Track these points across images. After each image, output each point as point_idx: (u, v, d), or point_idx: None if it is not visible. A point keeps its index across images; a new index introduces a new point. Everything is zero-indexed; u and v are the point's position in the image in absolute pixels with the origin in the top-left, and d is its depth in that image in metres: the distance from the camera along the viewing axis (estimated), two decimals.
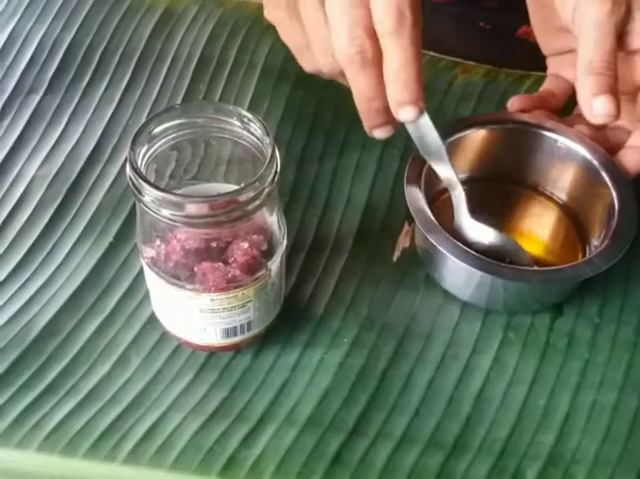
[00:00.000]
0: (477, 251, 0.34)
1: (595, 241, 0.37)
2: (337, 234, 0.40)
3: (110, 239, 0.39)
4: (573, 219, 0.39)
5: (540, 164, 0.39)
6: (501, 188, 0.40)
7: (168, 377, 0.35)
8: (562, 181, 0.39)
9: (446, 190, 0.38)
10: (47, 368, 0.35)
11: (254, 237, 0.32)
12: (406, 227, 0.40)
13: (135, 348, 0.36)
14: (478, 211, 0.37)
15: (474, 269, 0.33)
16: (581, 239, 0.38)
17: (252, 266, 0.32)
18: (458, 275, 0.36)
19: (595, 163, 0.37)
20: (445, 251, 0.34)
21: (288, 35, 0.38)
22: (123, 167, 0.42)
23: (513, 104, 0.40)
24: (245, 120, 0.31)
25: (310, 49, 0.36)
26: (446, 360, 0.35)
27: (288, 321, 0.37)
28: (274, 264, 0.33)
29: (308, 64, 0.38)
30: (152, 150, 0.31)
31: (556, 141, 0.38)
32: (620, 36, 0.35)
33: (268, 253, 0.33)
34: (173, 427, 0.33)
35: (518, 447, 0.33)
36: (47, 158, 0.42)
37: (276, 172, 0.30)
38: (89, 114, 0.44)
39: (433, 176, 0.36)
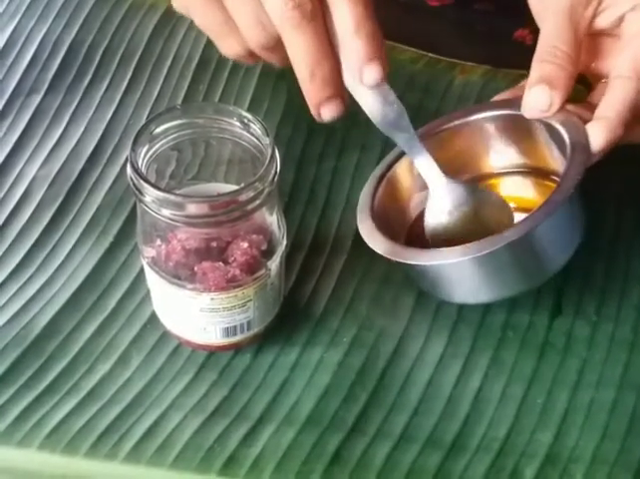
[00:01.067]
0: (459, 216, 0.34)
1: None
2: (336, 234, 0.40)
3: (110, 238, 0.39)
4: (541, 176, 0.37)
5: (518, 145, 0.38)
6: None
7: (169, 376, 0.35)
8: (537, 154, 0.37)
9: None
10: (47, 368, 0.35)
11: (254, 236, 0.33)
12: None
13: (135, 348, 0.36)
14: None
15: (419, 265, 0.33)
16: None
17: (252, 266, 0.32)
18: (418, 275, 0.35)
19: (563, 131, 0.34)
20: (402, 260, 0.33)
21: (205, 20, 0.35)
22: (123, 167, 0.42)
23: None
24: (245, 120, 0.32)
25: (234, 28, 0.32)
26: (444, 359, 0.36)
27: (287, 321, 0.37)
28: (274, 264, 0.33)
29: (232, 46, 0.34)
30: (152, 150, 0.31)
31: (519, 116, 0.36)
32: (593, 17, 0.34)
33: (268, 253, 0.33)
34: (174, 426, 0.33)
35: (516, 446, 0.33)
36: (48, 158, 0.43)
37: (276, 172, 0.31)
38: (90, 114, 0.44)
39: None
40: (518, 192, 0.39)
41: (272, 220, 0.33)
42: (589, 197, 0.42)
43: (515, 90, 0.39)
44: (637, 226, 0.40)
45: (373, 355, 0.36)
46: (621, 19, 0.36)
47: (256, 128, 0.31)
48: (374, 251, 0.39)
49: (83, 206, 0.41)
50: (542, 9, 0.35)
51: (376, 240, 0.34)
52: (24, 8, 0.49)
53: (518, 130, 0.37)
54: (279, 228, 0.33)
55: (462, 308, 0.37)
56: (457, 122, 0.38)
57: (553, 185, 0.37)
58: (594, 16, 0.36)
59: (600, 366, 0.35)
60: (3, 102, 0.45)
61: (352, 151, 0.43)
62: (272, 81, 0.45)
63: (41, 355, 0.35)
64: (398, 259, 0.34)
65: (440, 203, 0.36)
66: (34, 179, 0.42)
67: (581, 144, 0.34)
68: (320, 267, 0.39)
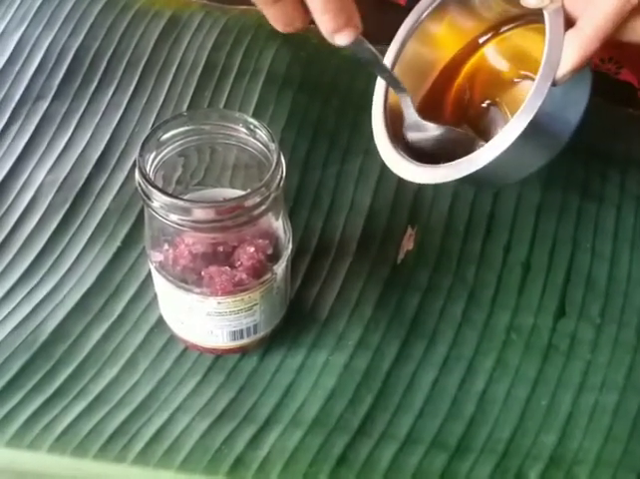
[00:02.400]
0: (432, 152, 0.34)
1: None
2: (341, 237, 0.40)
3: (118, 243, 0.40)
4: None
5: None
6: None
7: (176, 380, 0.35)
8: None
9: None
10: (56, 372, 0.35)
11: (260, 241, 0.33)
12: (409, 230, 0.41)
13: (142, 352, 0.36)
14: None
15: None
16: None
17: (258, 270, 0.33)
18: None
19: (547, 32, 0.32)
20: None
21: None
22: (130, 172, 0.42)
23: None
24: (251, 126, 0.32)
25: None
26: (449, 361, 0.36)
27: (293, 324, 0.37)
28: (280, 268, 0.34)
29: None
30: (160, 156, 0.32)
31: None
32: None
33: (274, 257, 0.33)
34: (182, 428, 0.34)
35: (521, 448, 0.34)
36: (55, 163, 0.43)
37: (282, 177, 0.31)
38: (96, 120, 0.45)
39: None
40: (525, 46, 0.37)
41: (278, 224, 0.33)
42: (592, 201, 0.42)
43: None
44: None
45: (378, 357, 0.36)
46: None
47: (262, 134, 0.32)
48: (377, 255, 0.40)
49: (90, 211, 0.41)
50: None
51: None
52: (31, 15, 0.49)
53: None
54: (285, 232, 0.34)
55: (466, 310, 0.38)
56: None
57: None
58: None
59: (604, 369, 0.36)
60: (11, 108, 0.45)
61: (356, 156, 0.44)
62: (277, 87, 0.46)
63: (50, 359, 0.36)
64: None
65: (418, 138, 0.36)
66: (42, 184, 0.42)
67: (552, 58, 0.32)
68: (325, 271, 0.39)
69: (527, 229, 0.40)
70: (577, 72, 0.32)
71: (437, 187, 0.42)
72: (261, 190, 0.30)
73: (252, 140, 0.32)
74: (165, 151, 0.32)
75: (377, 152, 0.43)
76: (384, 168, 0.43)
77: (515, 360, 0.36)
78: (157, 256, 0.33)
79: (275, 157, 0.31)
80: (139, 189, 0.30)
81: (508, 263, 0.39)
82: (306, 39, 0.48)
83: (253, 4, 0.48)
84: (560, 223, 0.41)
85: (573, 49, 0.32)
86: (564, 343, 0.37)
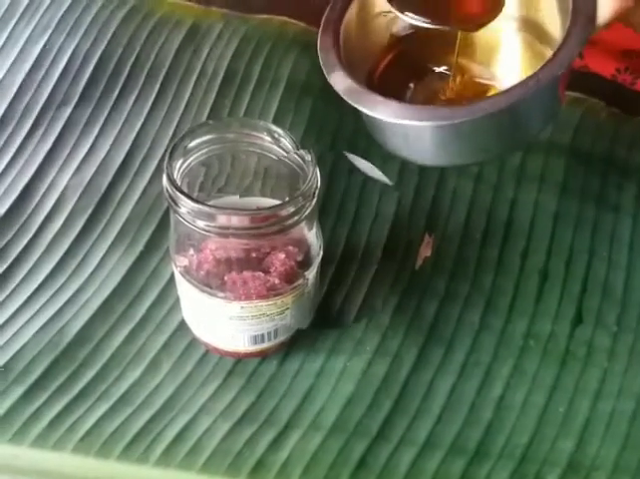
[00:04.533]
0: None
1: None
2: (366, 245, 0.41)
3: (140, 248, 0.40)
4: (537, 32, 0.34)
5: None
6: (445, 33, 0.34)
7: (198, 382, 0.36)
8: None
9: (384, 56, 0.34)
10: (80, 373, 0.36)
11: (290, 248, 0.34)
12: (427, 237, 0.41)
13: (165, 354, 0.37)
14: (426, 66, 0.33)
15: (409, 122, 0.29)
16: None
17: (290, 276, 0.33)
18: (382, 127, 0.32)
19: None
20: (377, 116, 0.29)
21: None
22: (152, 178, 0.43)
23: None
24: (276, 135, 0.33)
25: None
26: (467, 368, 0.36)
27: (313, 329, 0.38)
28: (311, 274, 0.34)
29: None
30: (186, 163, 0.32)
31: None
32: None
33: (305, 264, 0.34)
34: (203, 431, 0.34)
35: (539, 453, 0.34)
36: (78, 168, 0.44)
37: (317, 187, 0.31)
38: (119, 126, 0.45)
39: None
40: (503, 47, 0.35)
41: (311, 232, 0.34)
42: (608, 210, 0.42)
43: None
44: None
45: (396, 364, 0.36)
46: None
47: (286, 142, 0.32)
48: (396, 262, 0.40)
49: (113, 216, 0.42)
50: None
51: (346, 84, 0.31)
52: (55, 23, 0.50)
53: None
54: (317, 239, 0.34)
55: (483, 316, 0.38)
56: None
57: (541, 46, 0.33)
58: None
59: (621, 377, 0.36)
60: (35, 114, 0.46)
61: (376, 164, 0.44)
62: (296, 95, 0.46)
63: (74, 361, 0.36)
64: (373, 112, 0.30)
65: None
66: (65, 188, 0.43)
67: (586, 8, 0.30)
68: (351, 278, 0.39)
69: (544, 237, 0.41)
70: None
71: (455, 193, 0.42)
72: (297, 199, 0.31)
73: (276, 148, 0.33)
74: (192, 158, 0.33)
75: (395, 159, 0.44)
76: (402, 174, 0.44)
77: (533, 367, 0.36)
78: (181, 261, 0.33)
79: (311, 167, 0.31)
80: (166, 195, 0.31)
81: (526, 271, 0.40)
82: None
83: (273, 13, 0.50)
84: (577, 231, 0.41)
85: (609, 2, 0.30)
86: (581, 351, 0.37)
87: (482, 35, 0.35)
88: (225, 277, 0.33)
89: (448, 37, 0.34)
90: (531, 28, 0.34)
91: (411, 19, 0.31)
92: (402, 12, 0.32)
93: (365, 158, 0.44)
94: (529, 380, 0.36)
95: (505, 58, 0.35)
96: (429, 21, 0.31)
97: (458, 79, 0.35)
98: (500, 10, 0.32)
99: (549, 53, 0.32)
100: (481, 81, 0.35)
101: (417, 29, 0.35)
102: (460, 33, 0.34)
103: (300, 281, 0.33)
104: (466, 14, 0.33)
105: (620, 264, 0.40)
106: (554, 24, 0.33)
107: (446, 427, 0.34)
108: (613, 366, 0.36)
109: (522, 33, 0.35)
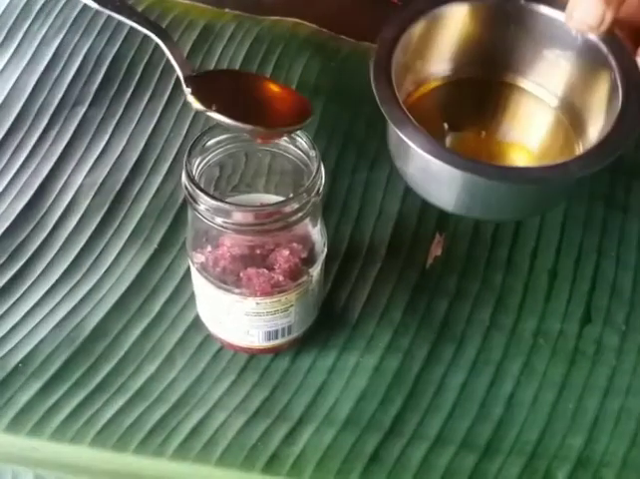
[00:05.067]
0: None
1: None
2: (370, 242, 0.42)
3: (154, 245, 0.41)
4: (573, 120, 0.33)
5: (537, 51, 0.33)
6: (489, 85, 0.34)
7: (212, 377, 0.36)
8: (569, 76, 0.33)
9: (420, 86, 0.33)
10: (97, 368, 0.36)
11: (294, 244, 0.34)
12: (437, 236, 0.42)
13: (179, 350, 0.37)
14: (458, 115, 0.33)
15: (426, 154, 0.29)
16: (582, 144, 0.33)
17: (294, 273, 0.34)
18: (415, 164, 0.31)
19: (610, 58, 0.31)
20: (401, 134, 0.29)
21: None
22: (166, 176, 0.44)
23: None
24: (292, 135, 0.33)
25: None
26: (478, 365, 0.37)
27: (324, 326, 0.38)
28: (315, 271, 0.35)
29: None
30: (204, 161, 0.33)
31: (560, 21, 0.32)
32: None
33: (309, 261, 0.35)
34: (218, 425, 0.35)
35: (549, 449, 0.34)
36: (93, 167, 0.44)
37: (321, 184, 0.32)
38: (132, 125, 0.46)
39: (412, 50, 0.32)
40: (537, 118, 0.34)
41: (315, 228, 0.34)
42: (617, 211, 0.43)
43: None
44: None
45: (408, 360, 0.37)
46: None
47: (302, 141, 0.33)
48: (406, 260, 0.41)
49: (127, 214, 0.42)
50: None
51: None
52: (69, 24, 0.51)
53: (544, 34, 0.33)
54: (321, 236, 0.35)
55: (494, 314, 0.38)
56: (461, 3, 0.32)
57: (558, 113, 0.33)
58: None
59: (629, 375, 0.37)
60: (50, 113, 0.47)
61: (384, 163, 0.45)
62: (308, 96, 0.46)
63: (91, 356, 0.37)
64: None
65: None
66: (80, 187, 0.43)
67: (635, 76, 0.30)
68: (355, 275, 0.40)
69: (554, 237, 0.41)
70: None
71: None
72: (301, 196, 0.31)
73: (292, 147, 0.33)
74: (210, 156, 0.33)
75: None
76: None
77: (543, 365, 0.37)
78: (198, 258, 0.34)
79: (316, 164, 0.32)
80: (185, 192, 0.31)
81: (535, 270, 0.40)
82: (336, 49, 0.49)
83: (285, 15, 0.50)
84: (586, 231, 0.42)
85: None
86: (590, 349, 0.37)
87: (521, 102, 0.35)
88: (241, 274, 0.34)
89: (488, 92, 0.35)
90: (569, 111, 0.34)
91: (216, 116, 0.30)
92: (208, 107, 0.31)
93: (376, 161, 0.45)
94: (539, 378, 0.36)
95: (536, 129, 0.35)
96: (233, 119, 0.30)
97: (486, 133, 0.34)
98: (306, 119, 0.31)
99: (579, 144, 0.32)
100: (509, 140, 0.35)
101: (455, 76, 0.35)
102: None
103: (304, 278, 0.34)
104: (273, 118, 0.32)
105: (629, 264, 0.40)
106: (595, 120, 0.32)
107: (457, 423, 0.35)
108: (622, 364, 0.37)
109: (558, 112, 0.34)
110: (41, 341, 0.37)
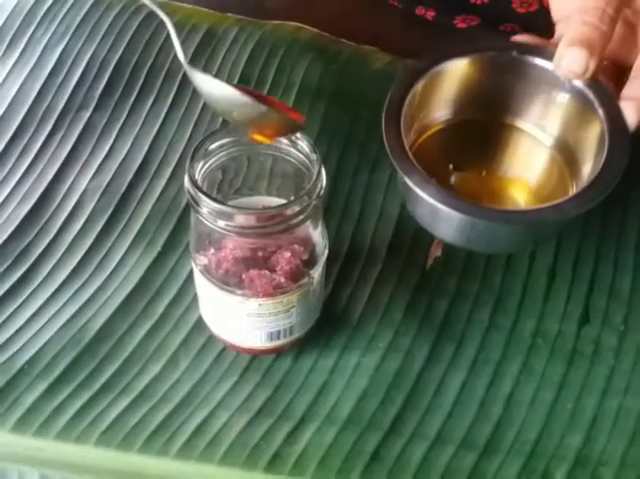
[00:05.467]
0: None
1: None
2: (371, 244, 0.42)
3: (158, 248, 0.41)
4: (568, 162, 0.36)
5: (536, 99, 0.36)
6: (488, 127, 0.37)
7: (215, 378, 0.37)
8: (559, 118, 0.36)
9: (430, 126, 0.37)
10: (102, 368, 0.37)
11: (295, 246, 0.35)
12: (437, 238, 0.42)
13: (183, 350, 0.38)
14: (460, 155, 0.35)
15: (434, 202, 0.31)
16: (574, 184, 0.35)
17: (296, 274, 0.34)
18: (423, 207, 0.33)
19: (595, 101, 0.34)
20: (410, 183, 0.32)
21: None
22: (169, 180, 0.44)
23: (516, 39, 0.37)
24: (293, 138, 0.34)
25: None
26: (477, 364, 0.37)
27: (326, 326, 0.39)
28: (316, 273, 0.35)
29: None
30: (206, 165, 0.33)
31: (549, 70, 0.35)
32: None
33: (311, 262, 0.35)
34: (221, 424, 0.35)
35: (547, 449, 0.35)
36: (97, 171, 0.45)
37: (322, 186, 0.33)
38: (136, 129, 0.47)
39: (417, 104, 0.35)
40: (533, 156, 0.37)
41: (317, 231, 0.35)
42: (615, 213, 0.43)
43: (535, 38, 0.37)
44: None
45: (408, 360, 0.37)
46: None
47: (303, 145, 0.33)
48: (407, 261, 0.41)
49: (132, 216, 0.43)
50: None
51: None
52: (73, 29, 0.51)
53: (536, 81, 0.35)
54: (322, 238, 0.35)
55: (493, 315, 0.39)
56: (464, 58, 0.36)
57: (552, 151, 0.36)
58: None
59: (628, 374, 0.37)
60: (54, 118, 0.47)
61: (384, 165, 0.45)
62: (309, 99, 0.47)
63: (96, 356, 0.37)
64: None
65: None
66: (85, 190, 0.44)
67: (619, 121, 0.33)
68: (356, 276, 0.41)
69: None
70: None
71: None
72: (302, 198, 0.32)
73: (294, 151, 0.34)
74: (212, 160, 0.34)
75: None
76: None
77: (541, 365, 0.37)
78: (201, 260, 0.34)
79: (317, 167, 0.32)
80: (188, 195, 0.32)
81: (534, 272, 0.41)
82: (337, 53, 0.50)
83: (287, 19, 0.51)
84: (584, 233, 0.42)
85: (635, 116, 0.33)
86: (589, 349, 0.38)
87: (519, 141, 0.38)
88: (243, 275, 0.34)
89: (487, 133, 0.38)
90: (563, 150, 0.37)
91: (220, 83, 0.31)
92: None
93: (377, 164, 0.45)
94: (538, 377, 0.37)
95: (533, 167, 0.38)
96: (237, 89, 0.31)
97: (487, 171, 0.37)
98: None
99: (572, 180, 0.35)
100: (508, 177, 0.37)
101: (456, 118, 0.38)
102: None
103: (306, 280, 0.34)
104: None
105: (627, 265, 0.41)
106: (586, 159, 0.35)
107: (456, 422, 0.35)
108: (620, 364, 0.37)
109: (553, 151, 0.37)
110: (46, 343, 0.38)
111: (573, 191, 0.35)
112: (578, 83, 0.34)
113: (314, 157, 0.33)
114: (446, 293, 0.40)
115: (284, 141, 0.34)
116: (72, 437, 0.35)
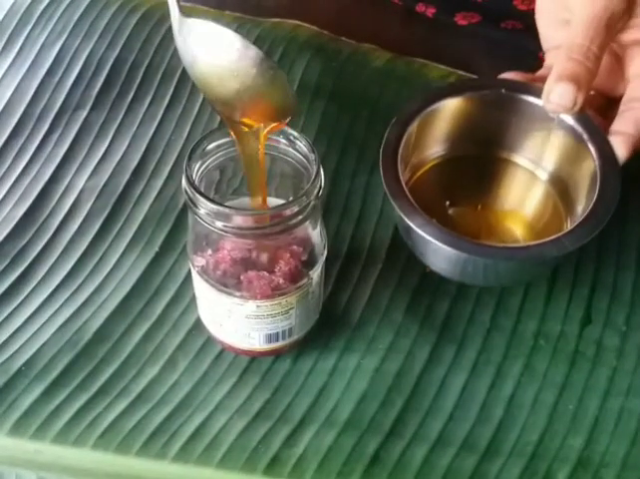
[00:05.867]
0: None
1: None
2: (370, 245, 0.42)
3: (156, 248, 0.41)
4: (561, 194, 0.38)
5: (527, 134, 0.38)
6: (485, 161, 0.39)
7: (214, 380, 0.37)
8: (551, 152, 0.38)
9: (426, 163, 0.39)
10: (99, 371, 0.37)
11: (295, 247, 0.34)
12: None
13: (181, 352, 0.37)
14: (456, 190, 0.37)
15: (438, 243, 0.33)
16: (568, 216, 0.37)
17: (295, 275, 0.34)
18: (427, 248, 0.35)
19: (584, 135, 0.36)
20: (413, 225, 0.33)
21: None
22: (167, 180, 0.44)
23: (503, 77, 0.39)
24: (291, 138, 0.33)
25: None
26: (478, 366, 0.37)
27: (325, 328, 0.38)
28: (315, 274, 0.35)
29: None
30: (204, 165, 0.33)
31: (538, 105, 0.36)
32: (620, 30, 0.36)
33: (310, 263, 0.35)
34: (220, 427, 0.35)
35: (549, 450, 0.34)
36: (95, 170, 0.45)
37: (321, 187, 0.32)
38: (133, 129, 0.46)
39: (412, 145, 0.37)
40: (529, 191, 0.39)
41: (315, 231, 0.35)
42: (616, 216, 0.43)
43: (522, 74, 0.39)
44: None
45: (409, 361, 0.37)
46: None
47: (302, 144, 0.33)
48: (406, 262, 0.41)
49: (129, 217, 0.42)
50: (574, 8, 0.36)
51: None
52: (70, 28, 0.51)
53: (526, 117, 0.37)
54: (321, 239, 0.35)
55: (494, 316, 0.39)
56: (460, 96, 0.37)
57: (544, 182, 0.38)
58: (621, 30, 0.37)
59: (630, 375, 0.37)
60: (51, 117, 0.47)
61: None
62: (308, 98, 0.47)
63: (93, 359, 0.37)
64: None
65: None
66: (82, 190, 0.44)
67: (610, 155, 0.35)
68: (356, 277, 0.40)
69: None
70: None
71: None
72: (301, 199, 0.31)
73: (292, 150, 0.34)
74: (210, 160, 0.33)
75: None
76: None
77: (543, 366, 0.37)
78: (199, 261, 0.34)
79: (315, 167, 0.32)
80: (186, 196, 0.31)
81: None
82: (337, 51, 0.49)
83: (285, 17, 0.50)
84: None
85: (624, 150, 0.35)
86: (591, 350, 0.37)
87: (515, 175, 0.39)
88: (241, 277, 0.34)
89: (481, 168, 0.39)
90: (556, 184, 0.38)
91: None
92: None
93: (376, 164, 0.45)
94: (540, 379, 0.36)
95: (528, 200, 0.40)
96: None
97: (483, 205, 0.39)
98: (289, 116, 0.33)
99: (566, 213, 0.37)
100: (504, 210, 0.39)
101: (451, 154, 0.39)
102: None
103: (305, 281, 0.34)
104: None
105: (629, 266, 0.40)
106: (580, 192, 0.36)
107: (457, 424, 0.35)
108: (622, 365, 0.37)
109: (547, 185, 0.39)
110: (43, 345, 0.37)
111: (567, 223, 0.37)
112: (567, 117, 0.36)
113: (313, 156, 0.32)
114: (447, 294, 0.39)
115: (282, 140, 0.34)
116: (69, 440, 0.35)
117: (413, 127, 0.37)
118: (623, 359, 0.37)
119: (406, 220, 0.33)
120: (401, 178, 0.34)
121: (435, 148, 0.39)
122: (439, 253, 0.35)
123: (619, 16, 0.36)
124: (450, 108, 0.38)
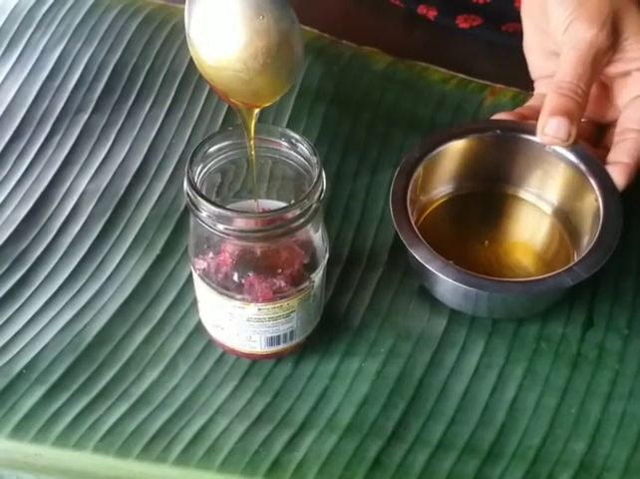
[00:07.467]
0: None
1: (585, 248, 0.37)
2: (372, 248, 0.42)
3: (157, 251, 0.41)
4: (565, 224, 0.40)
5: (527, 169, 0.40)
6: (489, 198, 0.41)
7: (215, 383, 0.36)
8: (552, 185, 0.40)
9: (432, 202, 0.41)
10: (100, 374, 0.37)
11: (296, 250, 0.34)
12: None
13: (182, 356, 0.37)
14: (464, 226, 0.39)
15: (458, 284, 0.35)
16: (573, 244, 0.39)
17: (296, 278, 0.34)
18: (445, 288, 0.37)
19: (582, 167, 0.38)
20: (432, 269, 0.35)
21: None
22: (168, 183, 0.44)
23: (496, 118, 0.41)
24: (293, 141, 0.33)
25: None
26: (480, 370, 0.37)
27: (327, 331, 0.38)
28: (317, 277, 0.35)
29: None
30: (205, 168, 0.33)
31: (535, 142, 0.39)
32: (606, 64, 0.38)
33: (311, 266, 0.35)
34: (220, 431, 0.35)
35: (551, 454, 0.34)
36: (96, 173, 0.45)
37: (322, 190, 0.32)
38: (135, 132, 0.46)
39: (418, 189, 0.39)
40: (535, 225, 0.41)
41: (317, 234, 0.35)
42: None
43: (514, 113, 0.41)
44: None
45: (410, 365, 0.37)
46: (627, 74, 0.39)
47: (303, 148, 0.33)
48: (408, 266, 0.41)
49: (130, 220, 0.42)
50: (563, 42, 0.38)
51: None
52: (71, 32, 0.51)
53: (524, 153, 0.39)
54: (323, 242, 0.35)
55: (495, 320, 0.39)
56: (465, 138, 0.40)
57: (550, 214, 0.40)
58: (606, 64, 0.39)
59: (632, 379, 0.36)
60: (52, 120, 0.47)
61: (385, 168, 0.45)
62: (309, 102, 0.47)
63: (94, 362, 0.37)
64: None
65: None
66: (83, 193, 0.44)
67: (609, 185, 0.37)
68: (357, 281, 0.40)
69: None
70: None
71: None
72: (303, 202, 0.31)
73: (293, 154, 0.34)
74: (211, 163, 0.33)
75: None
76: None
77: (545, 369, 0.37)
78: (200, 264, 0.34)
79: (317, 170, 0.32)
80: (187, 199, 0.31)
81: None
82: (338, 54, 0.49)
83: None
84: None
85: (622, 179, 0.37)
86: (593, 353, 0.37)
87: (521, 210, 0.41)
88: (243, 280, 0.34)
89: (487, 204, 0.41)
90: (561, 216, 0.40)
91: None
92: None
93: (377, 166, 0.45)
94: (542, 382, 0.36)
95: (534, 233, 0.41)
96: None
97: (489, 241, 0.40)
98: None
99: (572, 245, 0.39)
100: (512, 242, 0.41)
101: (459, 191, 0.42)
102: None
103: (306, 284, 0.34)
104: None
105: (630, 269, 0.40)
106: (583, 222, 0.38)
107: (459, 428, 0.35)
108: (624, 368, 0.37)
109: (553, 217, 0.41)
110: (44, 348, 0.37)
111: (574, 252, 0.39)
112: (563, 150, 0.38)
113: (314, 159, 0.32)
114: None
115: (284, 143, 0.34)
116: (70, 443, 0.34)
117: (418, 172, 0.39)
118: (625, 363, 0.37)
119: (426, 265, 0.35)
120: (411, 219, 0.37)
121: (441, 188, 0.41)
122: (457, 292, 0.37)
123: (604, 52, 0.38)
124: (452, 151, 0.40)
